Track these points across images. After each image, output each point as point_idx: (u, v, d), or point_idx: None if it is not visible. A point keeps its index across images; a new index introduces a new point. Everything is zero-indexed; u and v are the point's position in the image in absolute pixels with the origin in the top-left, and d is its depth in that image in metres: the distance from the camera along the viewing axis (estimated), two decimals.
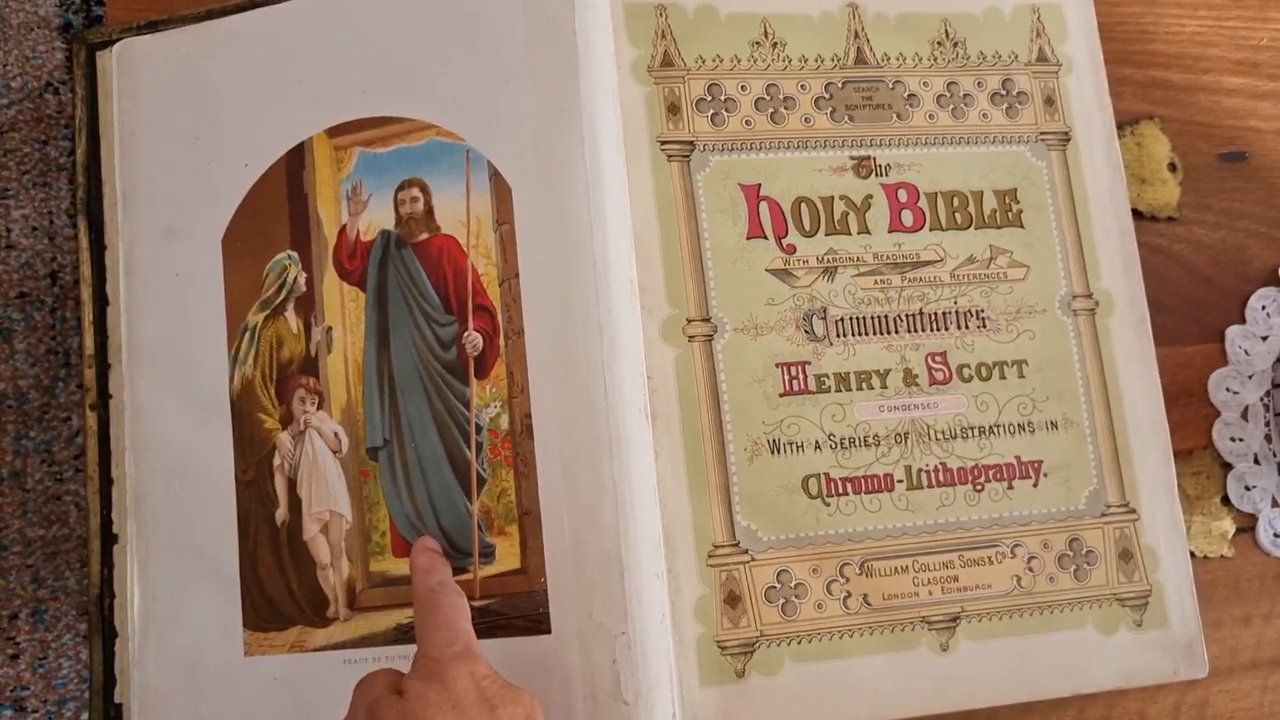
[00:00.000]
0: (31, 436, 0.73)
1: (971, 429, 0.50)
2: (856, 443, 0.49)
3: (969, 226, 0.52)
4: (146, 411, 0.49)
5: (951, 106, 0.53)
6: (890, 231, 0.51)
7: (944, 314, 0.51)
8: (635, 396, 0.46)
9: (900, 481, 0.49)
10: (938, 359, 0.50)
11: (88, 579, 0.50)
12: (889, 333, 0.50)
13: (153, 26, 0.52)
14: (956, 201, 0.52)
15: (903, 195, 0.51)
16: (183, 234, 0.49)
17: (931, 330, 0.51)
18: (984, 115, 0.53)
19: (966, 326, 0.51)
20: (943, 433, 0.50)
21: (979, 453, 0.50)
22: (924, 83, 0.53)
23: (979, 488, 0.50)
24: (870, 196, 0.51)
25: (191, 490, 0.48)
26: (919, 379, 0.50)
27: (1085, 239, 0.53)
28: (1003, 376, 0.51)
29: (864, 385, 0.50)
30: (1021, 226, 0.52)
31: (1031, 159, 0.53)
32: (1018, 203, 0.52)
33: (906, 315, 0.51)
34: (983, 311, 0.51)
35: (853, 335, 0.50)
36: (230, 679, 0.47)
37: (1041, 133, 0.54)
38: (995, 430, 0.50)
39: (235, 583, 0.47)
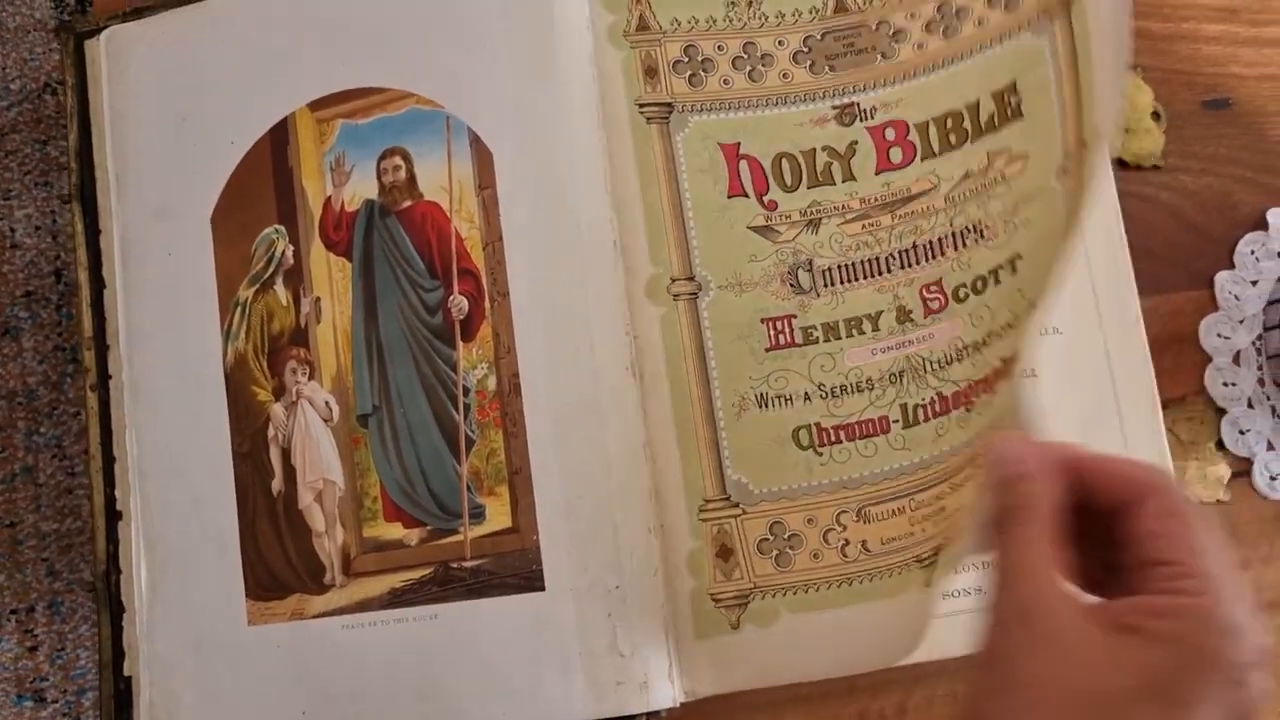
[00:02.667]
0: (42, 432, 0.74)
1: (966, 348, 0.49)
2: (848, 390, 0.49)
3: (964, 143, 0.51)
4: (145, 390, 0.50)
5: (943, 27, 0.51)
6: (878, 173, 0.51)
7: (939, 240, 0.50)
8: (620, 354, 0.46)
9: (895, 422, 0.49)
10: (933, 289, 0.50)
11: (93, 555, 0.50)
12: (880, 274, 0.50)
13: (138, 13, 0.52)
14: (950, 122, 0.50)
15: (890, 134, 0.51)
16: (173, 214, 0.50)
17: (926, 260, 0.50)
18: (979, 22, 0.51)
19: (964, 244, 0.50)
20: (939, 362, 0.49)
21: (972, 370, 0.49)
22: (911, 14, 0.51)
23: (969, 407, 0.49)
24: (855, 143, 0.51)
25: (191, 465, 0.49)
26: (913, 314, 0.50)
27: (1084, 85, 0.48)
28: (997, 281, 0.49)
29: (854, 331, 0.50)
30: (1021, 117, 0.50)
31: (1032, 40, 0.50)
32: (1016, 94, 0.50)
33: (899, 253, 0.50)
34: (980, 223, 0.50)
35: (841, 283, 0.50)
36: (235, 648, 0.48)
37: (1043, 8, 0.50)
38: (988, 341, 0.49)
39: (236, 553, 0.48)
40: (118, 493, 0.50)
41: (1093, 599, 0.31)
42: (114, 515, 0.50)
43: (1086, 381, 0.51)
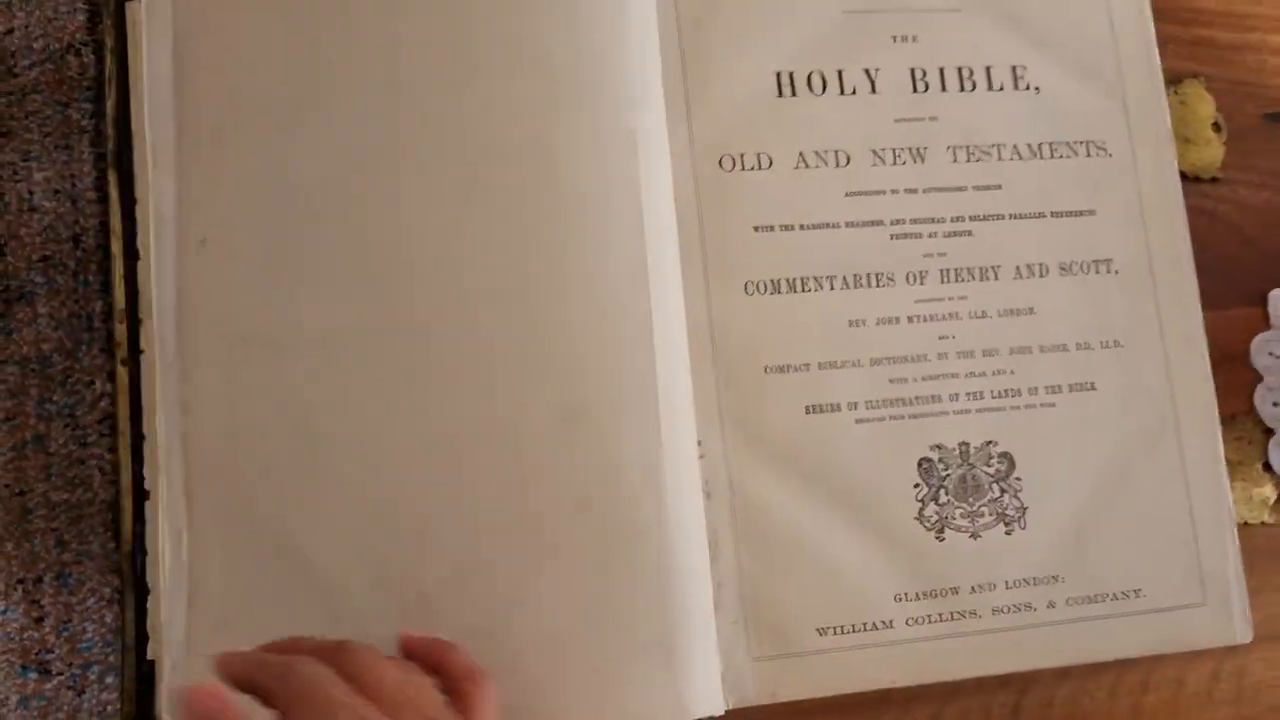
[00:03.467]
0: (55, 400, 0.72)
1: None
2: None
3: None
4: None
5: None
6: None
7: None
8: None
9: None
10: None
11: (118, 536, 0.49)
12: None
13: None
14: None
15: None
16: None
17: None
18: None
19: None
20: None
21: None
22: None
23: None
24: None
25: None
26: None
27: None
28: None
29: None
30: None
31: None
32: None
33: None
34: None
35: None
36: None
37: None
38: None
39: None
40: (145, 471, 0.49)
41: None
42: (141, 494, 0.49)
43: (1146, 396, 0.50)
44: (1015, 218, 0.51)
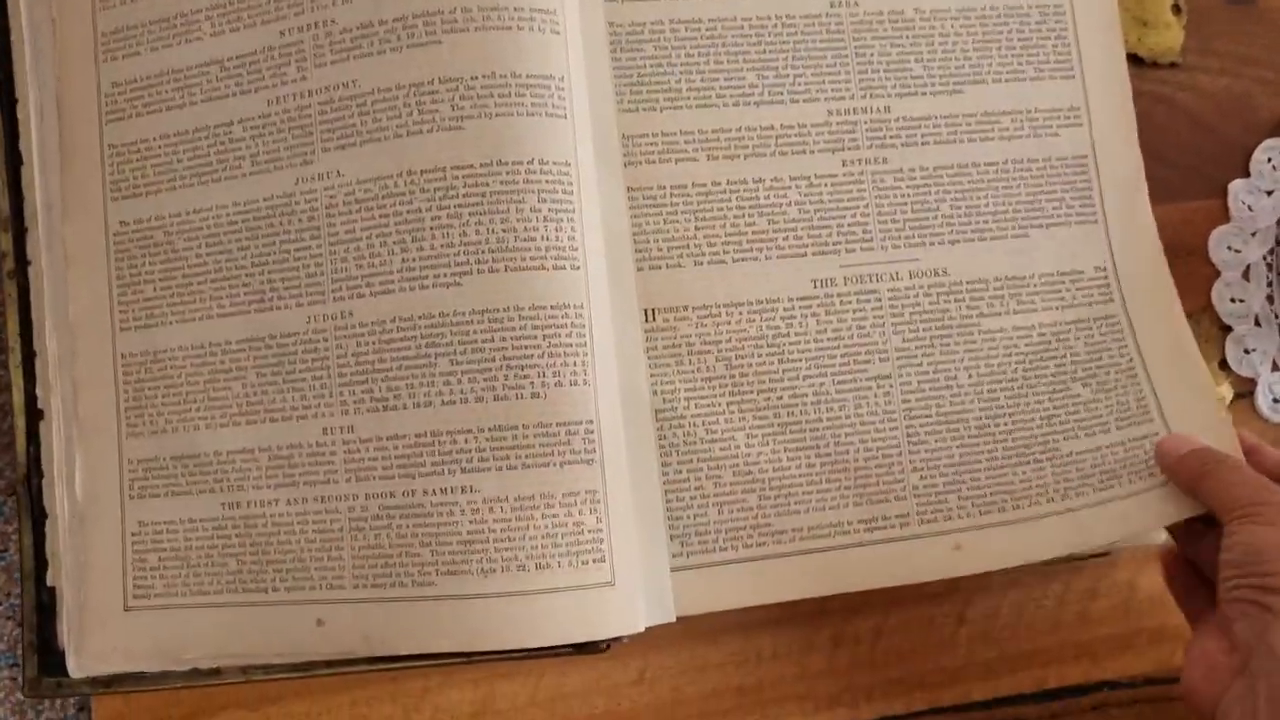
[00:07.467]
0: None
1: None
2: None
3: None
4: None
5: None
6: None
7: None
8: None
9: None
10: None
11: (13, 459, 0.46)
12: None
13: None
14: None
15: None
16: None
17: None
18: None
19: None
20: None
21: None
22: None
23: None
24: None
25: None
26: None
27: None
28: None
29: None
30: None
31: None
32: None
33: None
34: None
35: None
36: None
37: None
38: None
39: None
40: (39, 390, 0.46)
41: None
42: (35, 414, 0.46)
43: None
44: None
